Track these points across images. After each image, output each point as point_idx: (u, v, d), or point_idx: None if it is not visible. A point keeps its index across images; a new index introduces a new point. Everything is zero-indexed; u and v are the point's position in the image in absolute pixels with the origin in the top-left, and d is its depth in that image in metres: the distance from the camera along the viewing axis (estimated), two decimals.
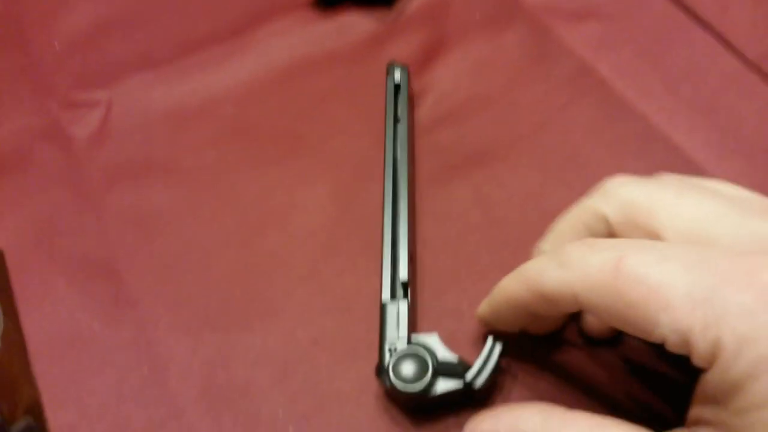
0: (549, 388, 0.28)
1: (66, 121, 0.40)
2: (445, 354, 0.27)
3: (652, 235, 0.24)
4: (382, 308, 0.29)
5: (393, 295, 0.30)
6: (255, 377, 0.30)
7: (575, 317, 0.29)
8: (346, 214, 0.35)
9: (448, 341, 0.28)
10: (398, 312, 0.29)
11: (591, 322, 0.29)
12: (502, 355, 0.27)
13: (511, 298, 0.25)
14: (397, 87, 0.36)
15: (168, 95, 0.40)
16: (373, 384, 0.29)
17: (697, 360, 0.20)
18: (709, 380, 0.20)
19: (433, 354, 0.27)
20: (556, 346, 0.29)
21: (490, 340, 0.27)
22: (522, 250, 0.29)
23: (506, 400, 0.28)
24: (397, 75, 0.37)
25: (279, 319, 0.31)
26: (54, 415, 0.29)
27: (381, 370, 0.27)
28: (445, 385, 0.26)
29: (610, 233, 0.26)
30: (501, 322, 0.27)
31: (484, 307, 0.28)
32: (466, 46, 0.40)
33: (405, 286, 0.30)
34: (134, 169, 0.37)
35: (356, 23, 0.42)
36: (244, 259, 0.34)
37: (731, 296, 0.19)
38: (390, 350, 0.28)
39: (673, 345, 0.20)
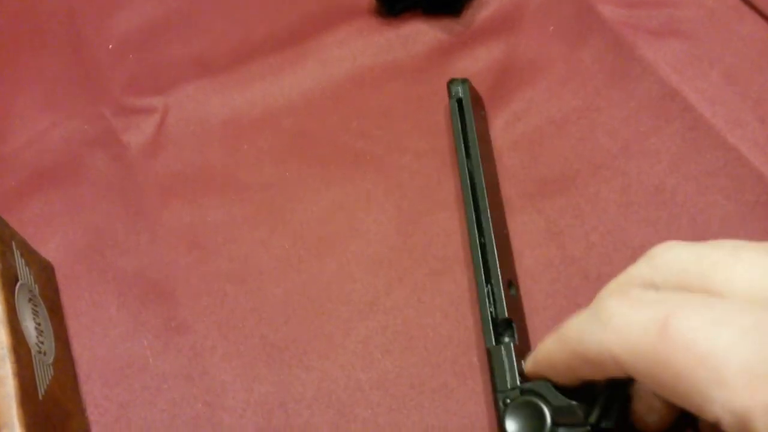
0: None
1: (120, 128, 0.38)
2: (560, 401, 0.24)
3: None
4: (489, 354, 0.27)
5: (497, 337, 0.27)
6: (313, 421, 0.28)
7: None
8: (409, 241, 0.33)
9: None
10: (504, 356, 0.26)
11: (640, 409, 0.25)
12: (627, 384, 0.24)
13: (552, 361, 0.24)
14: (459, 103, 0.34)
15: (225, 104, 0.39)
16: None
17: None
18: None
19: (547, 402, 0.25)
20: None
21: None
22: None
23: None
24: (459, 90, 0.34)
25: (338, 357, 0.30)
26: None
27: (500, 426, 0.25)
28: None
29: None
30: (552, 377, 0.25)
31: (529, 365, 0.26)
32: (540, 61, 0.38)
33: (508, 324, 0.27)
34: (189, 182, 0.36)
35: (421, 33, 0.40)
36: (301, 285, 0.32)
37: None
38: (502, 402, 0.25)
39: (730, 428, 0.17)
